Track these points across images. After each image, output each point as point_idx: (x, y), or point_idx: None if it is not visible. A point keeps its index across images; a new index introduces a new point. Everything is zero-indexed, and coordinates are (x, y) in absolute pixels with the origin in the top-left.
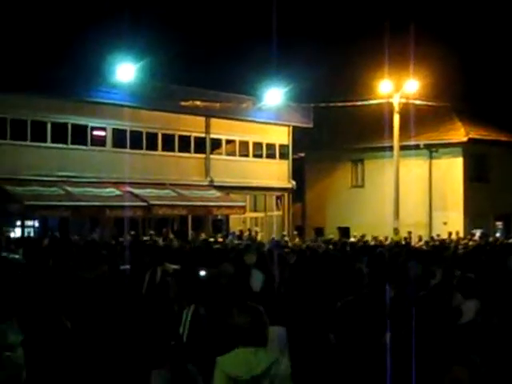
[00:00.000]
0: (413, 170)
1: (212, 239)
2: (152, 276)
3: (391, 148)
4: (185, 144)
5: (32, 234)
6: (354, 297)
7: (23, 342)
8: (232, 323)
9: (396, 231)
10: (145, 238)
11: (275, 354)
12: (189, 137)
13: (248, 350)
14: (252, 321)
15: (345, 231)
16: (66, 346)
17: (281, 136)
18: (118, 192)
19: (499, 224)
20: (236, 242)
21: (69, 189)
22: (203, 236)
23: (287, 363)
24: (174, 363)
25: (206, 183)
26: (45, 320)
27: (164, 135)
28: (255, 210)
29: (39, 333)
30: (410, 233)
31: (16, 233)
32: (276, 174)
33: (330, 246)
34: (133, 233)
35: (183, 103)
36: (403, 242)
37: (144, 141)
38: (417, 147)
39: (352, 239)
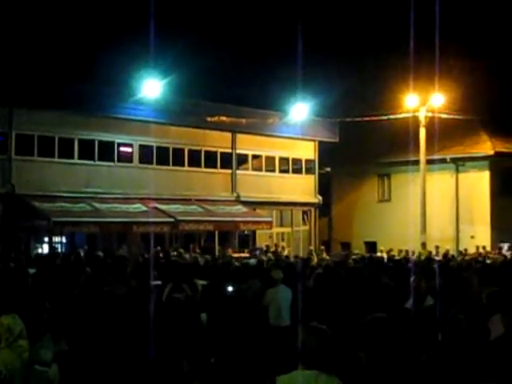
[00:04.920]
0: (439, 184)
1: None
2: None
3: (418, 162)
4: (211, 160)
5: (60, 250)
6: (386, 313)
7: (64, 355)
8: (298, 343)
9: (423, 246)
10: (172, 254)
11: (336, 379)
12: (215, 152)
13: (309, 373)
14: (318, 343)
15: (372, 246)
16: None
17: (307, 151)
18: (144, 208)
19: None
20: (263, 257)
21: (96, 205)
22: (230, 251)
23: None
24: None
25: (232, 199)
26: (86, 335)
27: (190, 151)
28: (282, 225)
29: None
30: (437, 247)
31: (44, 249)
32: (302, 188)
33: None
34: (159, 248)
35: (209, 119)
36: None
37: (170, 157)
38: (443, 161)
39: (379, 254)
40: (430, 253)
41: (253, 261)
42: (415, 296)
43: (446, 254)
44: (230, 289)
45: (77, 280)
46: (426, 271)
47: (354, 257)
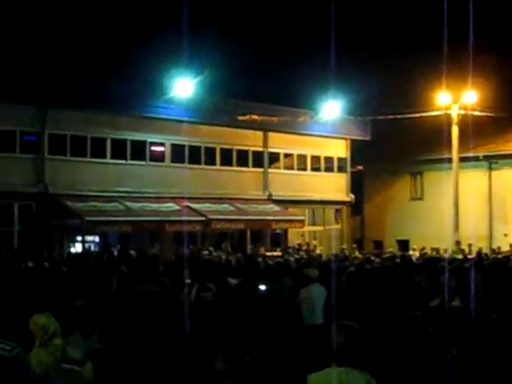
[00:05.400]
0: (472, 182)
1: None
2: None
3: (450, 160)
4: (243, 158)
5: (93, 250)
6: (421, 311)
7: (98, 353)
8: (329, 341)
9: (458, 243)
10: (204, 253)
11: (367, 376)
12: (247, 151)
13: (341, 370)
14: (348, 340)
15: (404, 244)
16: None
17: (339, 149)
18: (176, 207)
19: None
20: (296, 256)
21: (128, 204)
22: (262, 250)
23: None
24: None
25: (264, 197)
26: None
27: (222, 150)
28: (314, 224)
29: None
30: (470, 245)
31: (77, 248)
32: (334, 187)
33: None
34: (191, 247)
35: (241, 118)
36: (459, 256)
37: (202, 156)
38: (476, 159)
39: (411, 252)
40: (463, 251)
41: (281, 259)
42: (443, 295)
43: (479, 253)
44: (262, 287)
45: (110, 279)
46: (455, 270)
47: (384, 256)
